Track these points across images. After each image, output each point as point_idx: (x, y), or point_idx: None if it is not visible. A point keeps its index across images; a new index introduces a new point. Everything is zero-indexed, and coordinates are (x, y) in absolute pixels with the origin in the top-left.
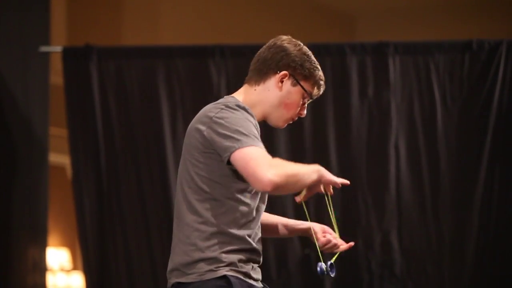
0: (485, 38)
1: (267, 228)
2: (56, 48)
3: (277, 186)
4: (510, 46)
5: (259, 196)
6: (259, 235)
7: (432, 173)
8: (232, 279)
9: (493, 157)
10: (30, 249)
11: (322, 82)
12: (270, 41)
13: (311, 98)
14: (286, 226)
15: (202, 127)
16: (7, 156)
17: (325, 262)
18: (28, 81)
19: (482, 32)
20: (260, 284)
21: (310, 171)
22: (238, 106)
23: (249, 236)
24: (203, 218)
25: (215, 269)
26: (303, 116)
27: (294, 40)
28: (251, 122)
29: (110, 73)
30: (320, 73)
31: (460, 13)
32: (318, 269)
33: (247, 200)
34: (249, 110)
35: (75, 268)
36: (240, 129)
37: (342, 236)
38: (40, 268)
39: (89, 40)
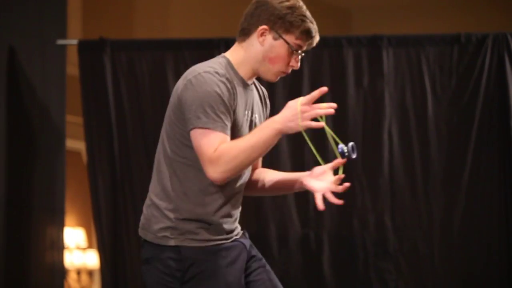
0: (473, 32)
1: (270, 187)
2: (72, 41)
3: (225, 179)
4: (496, 39)
5: None
6: (233, 203)
7: (422, 158)
8: (183, 251)
9: (479, 142)
10: (49, 229)
11: (313, 33)
12: None
13: (299, 51)
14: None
15: (180, 88)
16: (28, 142)
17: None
18: (46, 72)
19: (470, 26)
20: (234, 236)
21: (259, 137)
22: (217, 73)
23: (215, 206)
24: (170, 180)
25: (170, 236)
26: (296, 68)
27: None
28: (218, 92)
29: (123, 64)
30: (308, 24)
31: (449, 8)
32: (339, 150)
33: None
34: (222, 76)
35: (90, 246)
36: (205, 105)
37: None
38: (58, 247)
39: (103, 34)
